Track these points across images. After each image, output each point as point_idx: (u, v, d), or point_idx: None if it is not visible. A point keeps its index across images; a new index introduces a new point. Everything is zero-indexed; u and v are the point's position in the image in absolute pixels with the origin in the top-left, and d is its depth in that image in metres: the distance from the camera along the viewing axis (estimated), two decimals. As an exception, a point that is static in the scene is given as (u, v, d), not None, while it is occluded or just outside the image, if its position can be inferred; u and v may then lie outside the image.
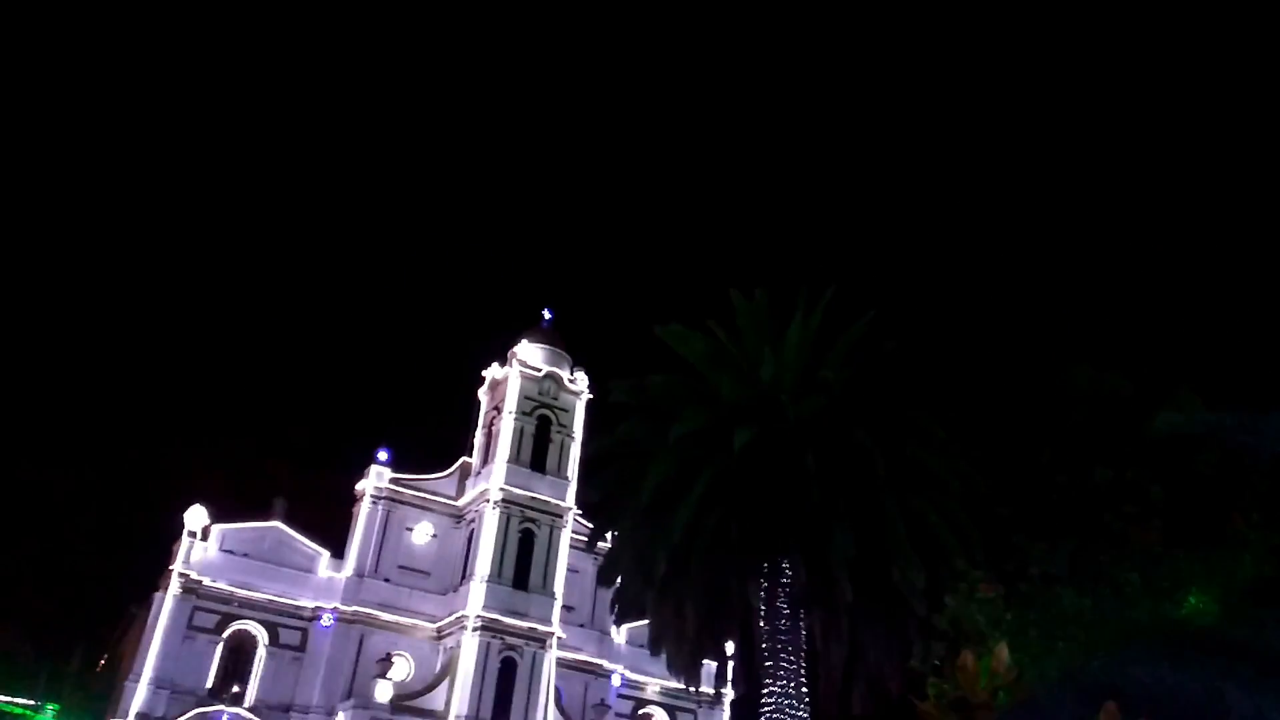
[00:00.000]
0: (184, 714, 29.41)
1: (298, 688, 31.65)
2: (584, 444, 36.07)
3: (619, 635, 36.66)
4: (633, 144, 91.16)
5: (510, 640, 32.57)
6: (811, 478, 17.36)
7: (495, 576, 33.09)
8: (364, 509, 34.76)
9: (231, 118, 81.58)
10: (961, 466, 18.33)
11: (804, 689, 18.62)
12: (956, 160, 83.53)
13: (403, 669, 33.24)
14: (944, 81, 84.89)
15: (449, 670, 32.23)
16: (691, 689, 22.31)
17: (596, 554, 28.66)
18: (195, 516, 31.71)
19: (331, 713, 31.40)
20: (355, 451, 37.45)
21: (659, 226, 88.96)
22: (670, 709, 37.43)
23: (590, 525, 29.97)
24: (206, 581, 31.16)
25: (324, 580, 33.26)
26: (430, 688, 32.02)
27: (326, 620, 32.46)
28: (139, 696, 29.22)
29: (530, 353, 37.46)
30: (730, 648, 21.51)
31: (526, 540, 34.40)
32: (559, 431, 36.63)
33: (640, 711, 37.18)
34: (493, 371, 38.12)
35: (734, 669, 21.94)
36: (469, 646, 32.05)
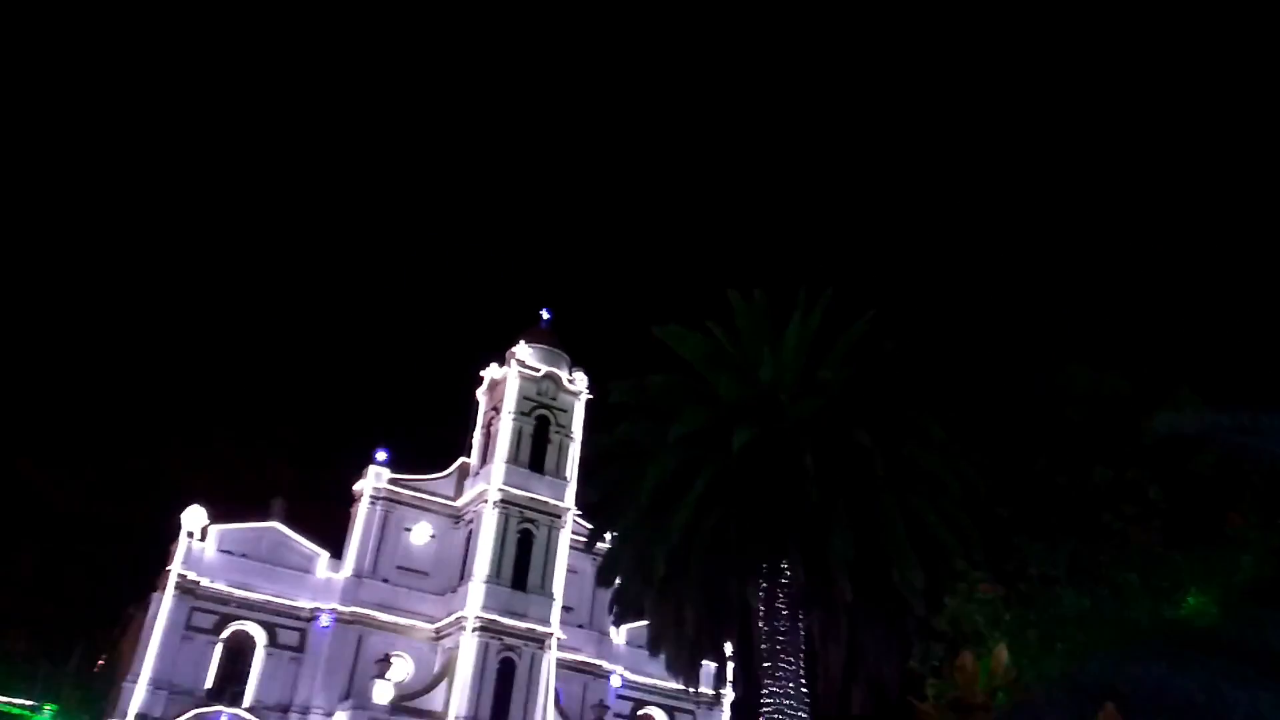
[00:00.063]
0: (183, 714, 29.35)
1: (296, 688, 31.61)
2: (583, 444, 36.03)
3: (618, 636, 36.63)
4: (632, 144, 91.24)
5: (509, 641, 32.54)
6: (810, 478, 17.35)
7: (494, 577, 33.06)
8: (362, 509, 34.71)
9: (231, 118, 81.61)
10: (961, 467, 18.33)
11: (803, 689, 18.61)
12: (955, 161, 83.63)
13: (401, 670, 33.20)
14: (943, 82, 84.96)
15: (448, 671, 32.19)
16: (691, 690, 22.29)
17: (595, 554, 28.62)
18: (193, 517, 31.66)
19: (330, 713, 31.36)
20: (353, 452, 37.39)
21: (658, 227, 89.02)
22: (669, 710, 37.41)
23: (589, 526, 29.94)
24: (205, 582, 31.11)
25: (322, 581, 33.21)
26: (429, 688, 31.99)
27: (325, 621, 32.41)
28: (137, 697, 29.17)
29: (529, 353, 37.43)
30: (729, 648, 21.49)
31: (525, 541, 34.37)
32: (558, 432, 36.60)
33: (639, 712, 37.15)
34: (491, 372, 38.07)
35: (733, 670, 21.92)
36: (468, 647, 32.01)
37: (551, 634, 33.33)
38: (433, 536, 35.45)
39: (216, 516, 32.17)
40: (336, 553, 33.99)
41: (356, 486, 35.20)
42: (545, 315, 39.46)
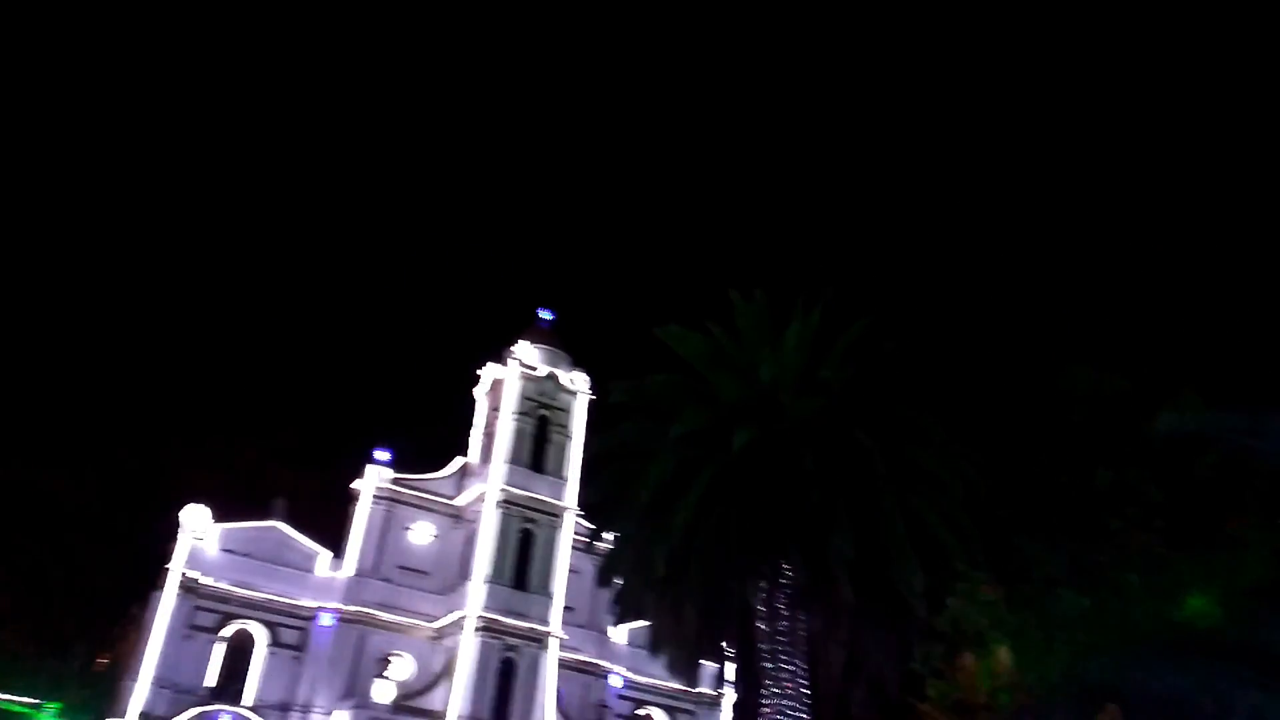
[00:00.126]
0: (184, 713, 29.38)
1: (298, 687, 31.62)
2: (584, 444, 36.00)
3: (618, 636, 36.61)
4: (632, 144, 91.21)
5: (510, 640, 32.53)
6: (811, 478, 17.33)
7: (495, 577, 33.04)
8: (363, 509, 34.70)
9: (230, 118, 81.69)
10: (962, 467, 18.31)
11: (804, 690, 18.58)
12: (956, 161, 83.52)
13: (402, 669, 33.20)
14: (944, 82, 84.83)
15: (449, 670, 32.19)
16: (691, 690, 22.27)
17: (596, 554, 28.59)
18: (195, 516, 31.68)
19: (331, 712, 31.37)
20: (354, 451, 37.24)
21: (658, 227, 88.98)
22: (670, 710, 37.38)
23: (590, 525, 29.92)
24: (207, 581, 31.13)
25: (324, 580, 33.23)
26: (430, 688, 31.98)
27: (327, 620, 32.42)
28: (140, 695, 29.20)
29: (529, 353, 37.40)
30: (730, 649, 21.46)
31: (526, 540, 34.34)
32: (558, 432, 36.57)
33: (640, 712, 37.13)
34: (491, 371, 38.03)
35: (734, 670, 21.90)
36: (469, 647, 32.01)
37: (552, 634, 33.32)
38: (434, 536, 35.45)
39: (218, 516, 32.18)
40: (337, 552, 33.98)
41: (357, 486, 35.20)
42: (546, 315, 39.43)
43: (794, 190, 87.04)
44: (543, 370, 36.99)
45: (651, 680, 35.96)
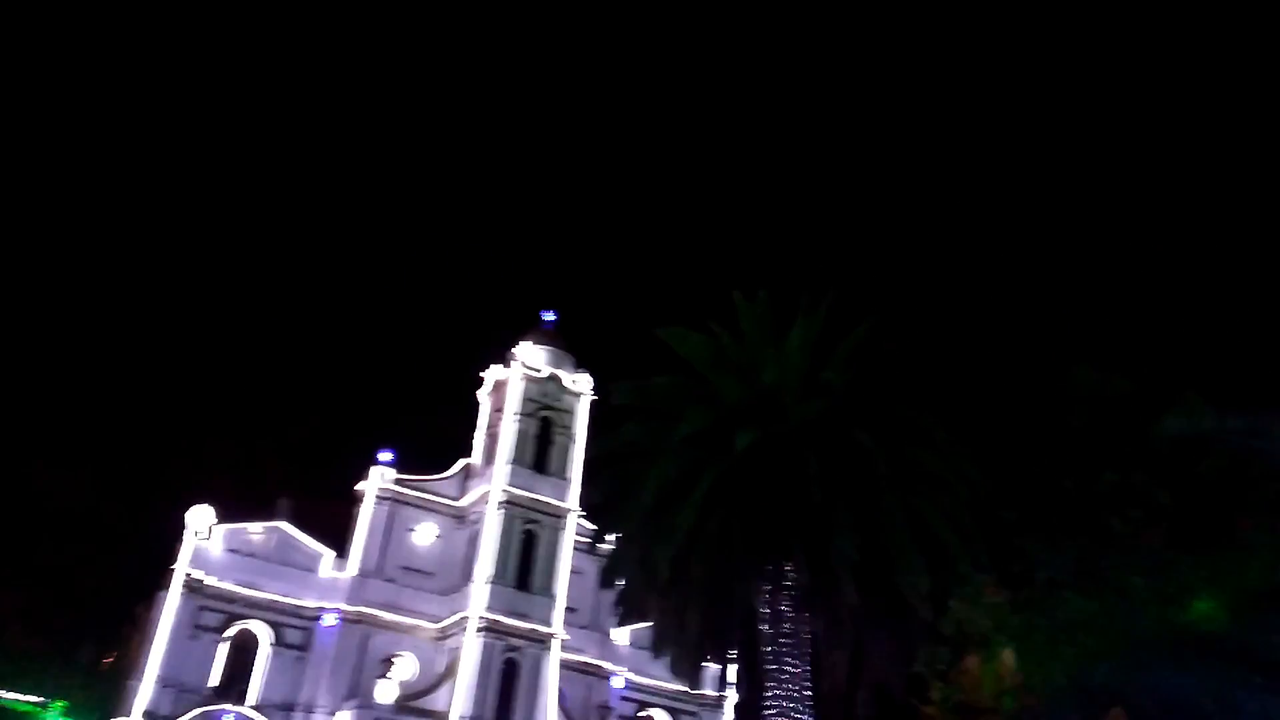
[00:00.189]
0: (189, 712, 29.45)
1: (301, 687, 31.67)
2: (586, 445, 35.99)
3: (621, 637, 36.59)
4: (636, 145, 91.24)
5: (512, 641, 32.53)
6: (814, 480, 17.29)
7: (498, 578, 33.05)
8: (367, 509, 34.75)
9: (231, 117, 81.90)
10: (965, 469, 18.27)
11: (807, 692, 18.54)
12: (959, 162, 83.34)
13: (405, 669, 33.23)
14: (946, 83, 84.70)
15: (451, 671, 32.21)
16: (694, 691, 22.25)
17: (599, 555, 28.56)
18: (200, 516, 31.76)
19: (334, 712, 31.42)
20: (358, 452, 37.26)
21: (662, 228, 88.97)
22: (673, 711, 37.34)
23: (592, 527, 29.90)
24: (211, 581, 31.20)
25: (328, 580, 33.28)
26: (433, 688, 32.00)
27: (330, 620, 32.48)
28: (144, 694, 29.27)
29: (532, 354, 37.41)
30: (733, 650, 21.43)
31: (529, 541, 34.34)
32: (561, 433, 36.56)
33: (642, 713, 37.10)
34: (494, 373, 38.04)
35: (736, 672, 21.86)
36: (472, 647, 32.02)
37: (554, 635, 33.32)
38: (437, 537, 35.48)
39: (223, 516, 32.26)
40: (341, 552, 34.01)
41: (361, 487, 35.25)
42: (549, 316, 39.43)
43: (797, 192, 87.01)
44: (545, 371, 37.00)
45: (654, 681, 35.92)
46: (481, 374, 38.58)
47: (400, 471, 35.53)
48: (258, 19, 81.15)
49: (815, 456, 17.53)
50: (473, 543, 34.52)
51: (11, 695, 34.18)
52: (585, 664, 35.46)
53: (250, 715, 30.39)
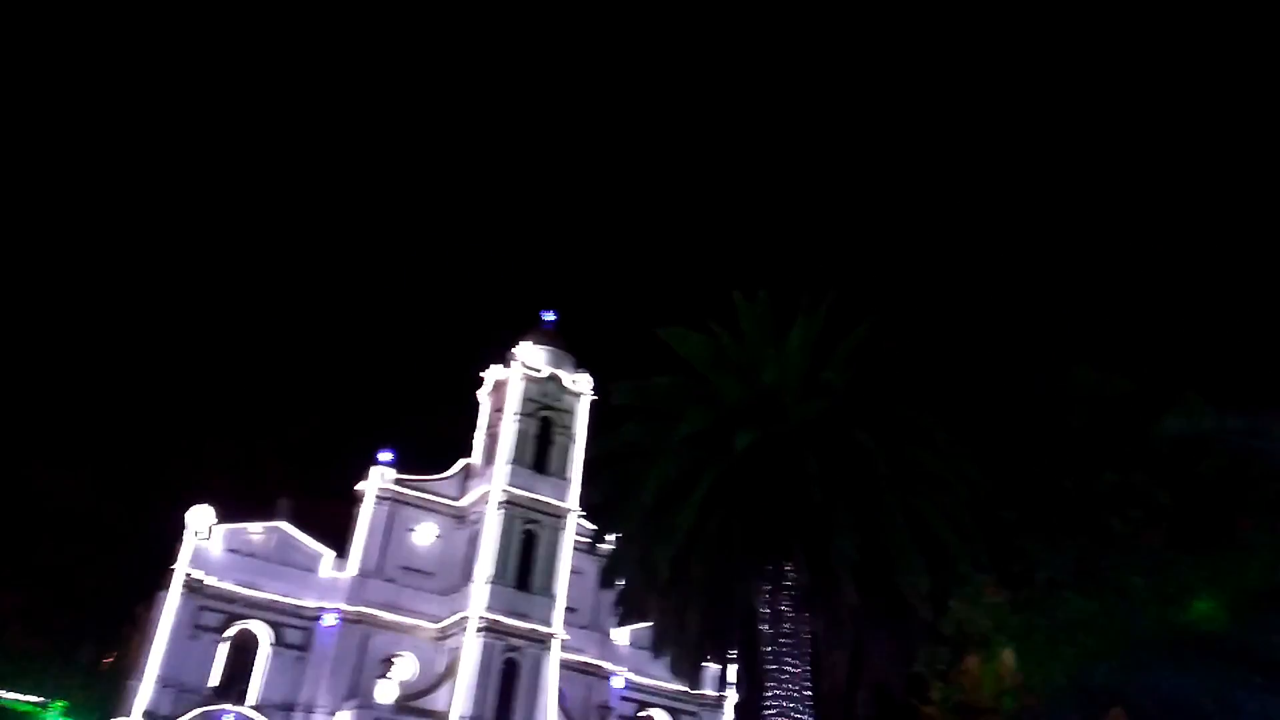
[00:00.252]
0: (189, 712, 29.45)
1: (301, 687, 31.67)
2: (586, 445, 35.98)
3: (621, 637, 36.59)
4: (636, 144, 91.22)
5: (512, 641, 32.53)
6: (814, 480, 17.30)
7: (498, 578, 33.04)
8: (367, 509, 34.74)
9: (231, 117, 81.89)
10: (966, 469, 18.27)
11: (807, 692, 18.54)
12: (959, 162, 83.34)
13: (405, 669, 33.23)
14: (947, 83, 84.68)
15: (451, 671, 32.21)
16: (694, 691, 22.25)
17: (599, 555, 28.56)
18: (200, 516, 31.76)
19: (334, 712, 31.42)
20: (358, 452, 37.24)
21: (662, 227, 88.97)
22: (673, 711, 37.34)
23: (592, 527, 29.89)
24: (211, 581, 31.20)
25: (328, 580, 33.28)
26: (433, 688, 32.00)
27: (330, 620, 32.47)
28: (144, 694, 29.27)
29: (532, 354, 37.40)
30: (733, 650, 21.42)
31: (529, 542, 34.34)
32: (561, 433, 36.56)
33: (642, 713, 37.10)
34: (494, 373, 38.04)
35: (736, 672, 21.86)
36: (471, 647, 32.02)
37: (554, 635, 33.32)
38: (437, 537, 35.48)
39: (223, 516, 32.25)
40: (341, 552, 34.00)
41: (361, 487, 35.24)
42: (549, 316, 39.43)
43: (797, 192, 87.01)
44: (545, 371, 37.00)
45: (654, 681, 35.92)
46: (481, 374, 38.58)
47: (400, 471, 35.53)
48: (258, 19, 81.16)
49: (815, 456, 17.53)
50: (473, 543, 34.51)
51: (11, 695, 34.16)
52: (585, 664, 35.45)
53: (250, 715, 30.39)
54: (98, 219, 69.49)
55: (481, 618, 32.21)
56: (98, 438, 43.60)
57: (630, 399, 20.76)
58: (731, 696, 36.88)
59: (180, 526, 31.69)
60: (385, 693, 31.05)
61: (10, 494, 40.75)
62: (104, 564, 40.88)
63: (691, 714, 37.29)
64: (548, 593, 33.75)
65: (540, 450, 35.88)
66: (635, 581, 20.51)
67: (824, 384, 18.90)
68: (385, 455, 35.49)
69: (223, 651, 31.19)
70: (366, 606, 33.07)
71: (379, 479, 35.02)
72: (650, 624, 22.07)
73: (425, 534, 35.35)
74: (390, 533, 34.65)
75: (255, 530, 32.74)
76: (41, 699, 34.48)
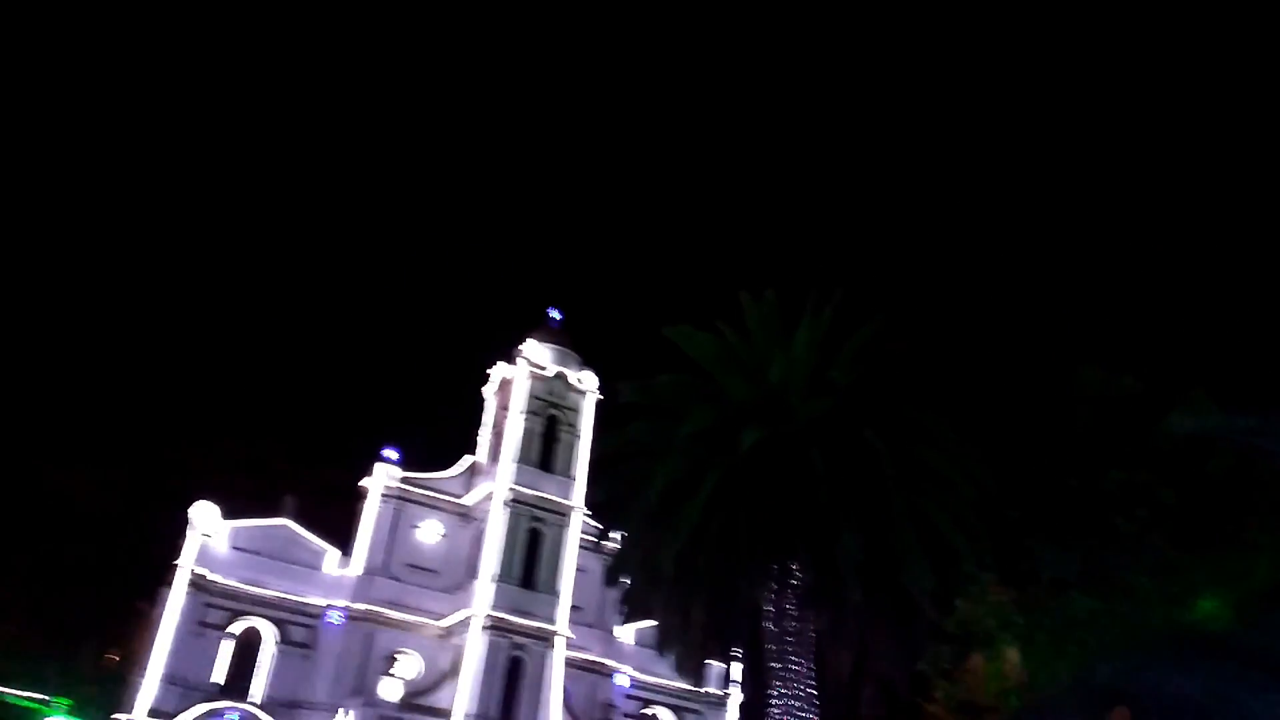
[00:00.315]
0: (193, 709, 29.55)
1: (306, 685, 31.77)
2: (592, 444, 36.02)
3: (626, 635, 36.65)
4: (642, 143, 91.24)
5: (517, 639, 32.60)
6: (820, 479, 17.32)
7: (503, 576, 33.10)
8: (372, 507, 34.83)
9: (234, 117, 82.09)
10: (971, 468, 18.27)
11: (812, 691, 18.58)
12: (966, 161, 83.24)
13: (410, 667, 33.31)
14: (953, 83, 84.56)
15: (456, 669, 32.28)
16: (698, 689, 22.29)
17: (604, 554, 28.63)
18: (204, 513, 31.85)
19: (339, 710, 31.51)
20: (363, 449, 37.38)
21: (668, 226, 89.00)
22: (677, 709, 37.39)
23: (598, 525, 29.95)
24: (216, 578, 31.30)
25: (333, 578, 33.37)
26: (437, 686, 32.09)
27: (335, 617, 32.56)
28: (149, 692, 29.39)
29: (538, 352, 37.46)
30: (738, 649, 21.46)
31: (534, 540, 34.40)
32: (567, 431, 36.61)
33: (646, 711, 37.15)
34: (500, 371, 38.11)
35: (741, 670, 21.92)
36: (476, 645, 32.09)
37: (559, 633, 33.37)
38: (442, 535, 35.55)
39: (228, 513, 32.35)
40: (346, 550, 34.10)
41: (366, 484, 35.32)
42: (555, 314, 39.49)
43: (804, 191, 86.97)
44: (551, 370, 37.06)
45: (658, 680, 35.98)
46: (488, 372, 38.66)
47: (405, 469, 35.61)
48: (260, 19, 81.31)
49: (821, 455, 17.55)
50: (478, 540, 34.57)
51: (14, 692, 34.27)
52: (590, 662, 35.51)
53: (254, 712, 30.48)
54: (105, 220, 69.72)
55: (486, 615, 32.27)
56: (104, 436, 43.80)
57: (636, 397, 20.78)
58: (736, 695, 36.91)
59: (185, 523, 31.79)
60: (390, 690, 31.13)
61: (16, 492, 40.90)
62: (108, 560, 41.03)
63: (696, 712, 37.33)
64: (552, 591, 33.80)
65: (546, 448, 35.93)
66: (640, 580, 20.55)
67: (830, 383, 18.91)
68: (390, 453, 35.58)
69: (227, 648, 31.30)
70: (371, 604, 33.15)
71: (384, 476, 35.10)
72: (655, 622, 22.11)
73: (430, 531, 35.41)
74: (395, 530, 34.72)
75: (260, 527, 32.84)
76: (45, 696, 34.59)
